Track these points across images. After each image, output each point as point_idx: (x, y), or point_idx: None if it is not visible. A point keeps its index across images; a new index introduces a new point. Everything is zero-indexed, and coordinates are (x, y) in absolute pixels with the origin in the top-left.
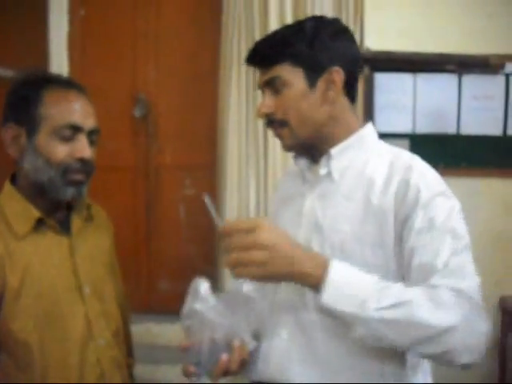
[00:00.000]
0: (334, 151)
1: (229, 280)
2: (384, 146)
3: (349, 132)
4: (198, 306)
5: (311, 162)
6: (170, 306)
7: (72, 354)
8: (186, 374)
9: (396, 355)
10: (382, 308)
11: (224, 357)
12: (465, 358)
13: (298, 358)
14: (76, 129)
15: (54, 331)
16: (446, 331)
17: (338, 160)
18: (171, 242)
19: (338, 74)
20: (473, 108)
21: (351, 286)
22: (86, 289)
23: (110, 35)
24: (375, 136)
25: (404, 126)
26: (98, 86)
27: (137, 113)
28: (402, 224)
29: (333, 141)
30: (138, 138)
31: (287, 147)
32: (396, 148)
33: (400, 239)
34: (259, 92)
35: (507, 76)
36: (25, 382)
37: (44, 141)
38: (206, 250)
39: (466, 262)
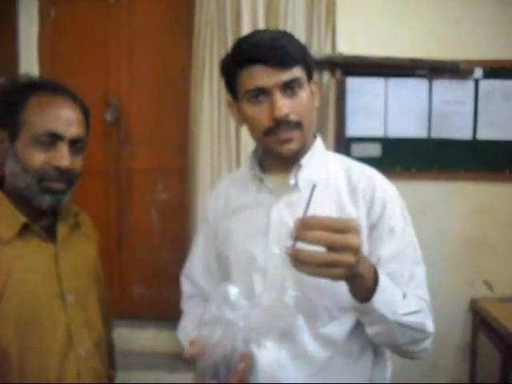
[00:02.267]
0: (303, 161)
1: None
2: (331, 154)
3: (310, 142)
4: (229, 314)
5: (277, 171)
6: (143, 312)
7: (51, 364)
8: None
9: (371, 352)
10: (406, 314)
11: (241, 367)
12: (422, 357)
13: (288, 362)
14: (56, 137)
15: (33, 339)
16: (430, 335)
17: (304, 170)
18: (143, 247)
19: (316, 86)
20: (443, 112)
21: (389, 291)
22: (68, 297)
23: (81, 38)
24: (323, 146)
25: (376, 130)
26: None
27: (109, 117)
28: (370, 233)
29: (303, 149)
30: (110, 142)
31: (293, 152)
32: (338, 155)
33: (370, 246)
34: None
35: (476, 81)
36: None
37: (23, 147)
38: (179, 254)
39: (423, 271)
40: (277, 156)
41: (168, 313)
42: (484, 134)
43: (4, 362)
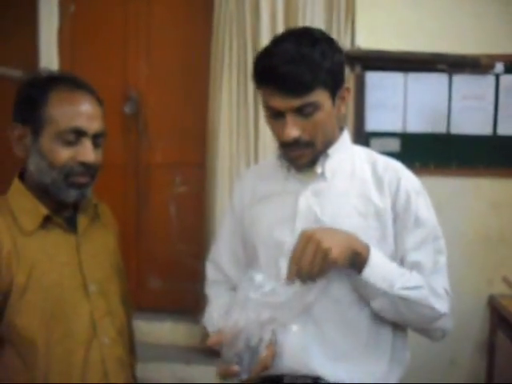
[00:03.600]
0: (330, 151)
1: None
2: (357, 147)
3: (337, 135)
4: (255, 299)
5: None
6: (160, 304)
7: (76, 353)
8: (228, 374)
9: (391, 331)
10: (405, 288)
11: (264, 353)
12: (440, 337)
13: (313, 349)
14: (80, 133)
15: (58, 329)
16: (442, 316)
17: (331, 160)
18: (161, 240)
19: (347, 91)
20: (463, 107)
21: (385, 267)
22: (91, 287)
23: (100, 31)
24: (349, 139)
25: (395, 125)
26: (89, 83)
27: (127, 110)
28: (394, 223)
29: (330, 143)
30: (129, 136)
31: (304, 165)
32: (366, 149)
33: (395, 236)
34: (250, 90)
35: (497, 76)
36: (28, 381)
37: (47, 144)
38: (196, 248)
39: (445, 260)
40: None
41: (185, 305)
42: (504, 130)
43: (31, 351)
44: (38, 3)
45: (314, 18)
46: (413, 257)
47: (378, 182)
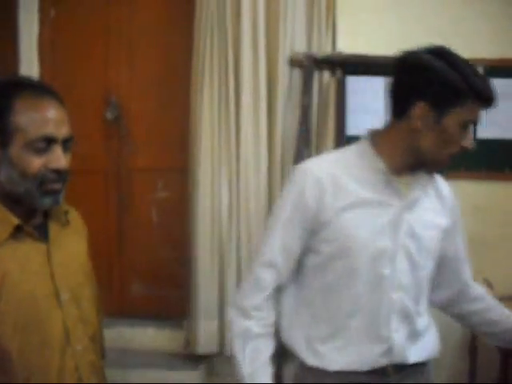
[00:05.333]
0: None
1: (200, 283)
2: None
3: None
4: None
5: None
6: (142, 310)
7: (51, 362)
8: None
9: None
10: None
11: None
12: None
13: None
14: (50, 140)
15: (33, 338)
16: None
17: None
18: (143, 246)
19: None
20: None
21: None
22: (63, 295)
23: (81, 36)
24: None
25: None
26: (70, 88)
27: (109, 115)
28: (451, 232)
29: None
30: (110, 141)
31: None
32: None
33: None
34: (231, 95)
35: None
36: None
37: (18, 153)
38: (179, 252)
39: None
40: (431, 168)
41: (168, 311)
42: (485, 133)
43: (5, 362)
44: (18, 8)
45: (295, 22)
46: (463, 255)
47: (440, 197)
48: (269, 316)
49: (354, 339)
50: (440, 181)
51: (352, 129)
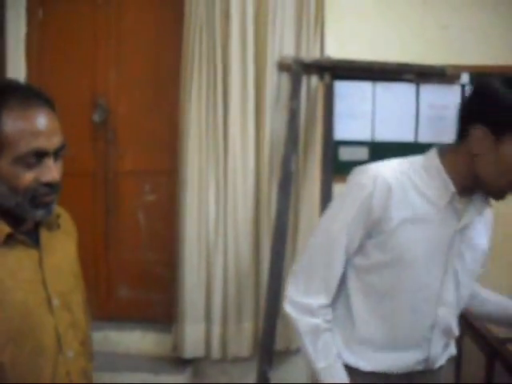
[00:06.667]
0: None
1: (187, 286)
2: None
3: None
4: None
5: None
6: (129, 314)
7: (44, 369)
8: None
9: None
10: None
11: None
12: None
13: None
14: (41, 154)
15: (25, 347)
16: None
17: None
18: (131, 249)
19: None
20: (430, 116)
21: None
22: (55, 301)
23: (69, 37)
24: None
25: (363, 133)
26: (57, 90)
27: (96, 118)
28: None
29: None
30: (98, 144)
31: None
32: None
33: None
34: (220, 98)
35: (463, 86)
36: None
37: (7, 168)
38: (166, 256)
39: None
40: (496, 197)
41: (155, 314)
42: None
43: None
44: (5, 8)
45: (284, 26)
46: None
47: (486, 221)
48: (330, 312)
49: (392, 345)
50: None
51: (340, 133)
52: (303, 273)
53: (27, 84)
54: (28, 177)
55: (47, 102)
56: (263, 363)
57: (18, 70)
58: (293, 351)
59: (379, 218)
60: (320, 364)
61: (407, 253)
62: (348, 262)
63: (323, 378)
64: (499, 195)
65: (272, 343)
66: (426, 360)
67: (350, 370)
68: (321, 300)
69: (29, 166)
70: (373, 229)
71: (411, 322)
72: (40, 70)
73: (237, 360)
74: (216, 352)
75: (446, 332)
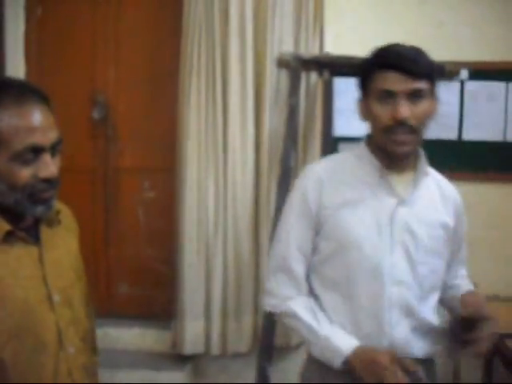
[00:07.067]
0: (428, 169)
1: (186, 283)
2: None
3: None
4: None
5: (394, 171)
6: (129, 310)
7: (46, 366)
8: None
9: None
10: None
11: None
12: None
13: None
14: (38, 149)
15: (27, 344)
16: None
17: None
18: (130, 246)
19: (436, 102)
20: None
21: None
22: (55, 297)
23: (68, 35)
24: None
25: (362, 130)
26: (56, 88)
27: (95, 115)
28: (456, 233)
29: (414, 156)
30: (97, 141)
31: (406, 153)
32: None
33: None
34: (219, 95)
35: (462, 82)
36: None
37: (4, 165)
38: (165, 253)
39: None
40: (390, 155)
41: (154, 311)
42: (469, 135)
43: (0, 368)
44: (4, 6)
45: (283, 23)
46: (461, 255)
47: (444, 198)
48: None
49: (360, 333)
50: (443, 181)
51: (339, 130)
52: (275, 273)
53: (22, 81)
54: (26, 173)
55: (42, 98)
56: (263, 359)
57: (17, 68)
58: (293, 347)
59: (317, 210)
60: (325, 330)
61: (349, 237)
62: (310, 264)
63: (333, 340)
64: (393, 153)
65: (272, 339)
66: (392, 345)
67: (324, 364)
68: (296, 292)
69: (26, 163)
70: (316, 224)
71: (369, 305)
72: (39, 68)
73: (236, 356)
74: (215, 348)
75: (407, 313)
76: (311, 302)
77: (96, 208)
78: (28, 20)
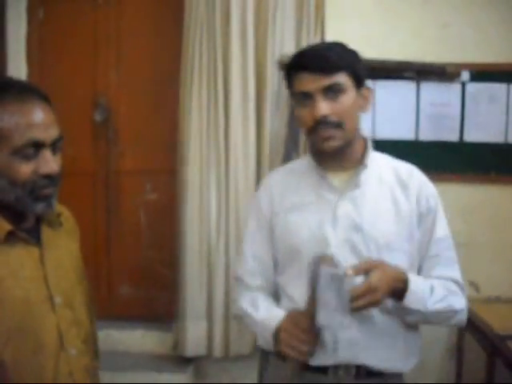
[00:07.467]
0: (367, 162)
1: (188, 285)
2: (377, 153)
3: (361, 142)
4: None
5: (335, 169)
6: (131, 312)
7: (46, 367)
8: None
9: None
10: (435, 303)
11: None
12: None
13: (366, 345)
14: (38, 145)
15: (27, 345)
16: (460, 311)
17: (366, 170)
18: (132, 248)
19: (369, 91)
20: (431, 114)
21: (419, 290)
22: (57, 299)
23: (69, 38)
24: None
25: (364, 131)
26: (58, 90)
27: (97, 117)
28: (420, 223)
29: (356, 149)
30: (98, 143)
31: (335, 148)
32: (382, 154)
33: (420, 235)
34: (220, 97)
35: (463, 84)
36: None
37: (5, 161)
38: (167, 255)
39: (455, 256)
40: (322, 153)
41: (156, 313)
42: (471, 137)
43: (1, 369)
44: (6, 8)
45: (284, 25)
46: (433, 251)
47: (403, 186)
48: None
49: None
50: (404, 170)
51: None
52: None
53: (23, 81)
54: (26, 169)
55: (43, 98)
56: (265, 361)
57: (18, 69)
58: None
59: (270, 217)
60: (261, 315)
61: (294, 240)
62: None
63: (266, 322)
64: (321, 152)
65: None
66: (335, 344)
67: (278, 364)
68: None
69: (26, 158)
70: (272, 231)
71: None
72: (41, 70)
73: (238, 358)
74: (218, 350)
75: (362, 316)
76: (258, 296)
77: (97, 210)
78: (30, 22)
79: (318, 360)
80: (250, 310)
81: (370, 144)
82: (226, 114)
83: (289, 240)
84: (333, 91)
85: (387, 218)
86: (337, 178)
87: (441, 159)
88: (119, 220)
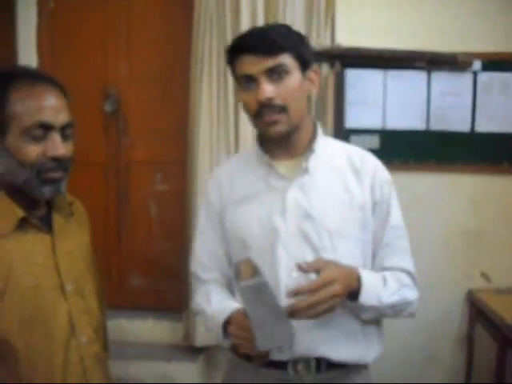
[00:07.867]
0: (315, 147)
1: None
2: (330, 140)
3: (310, 127)
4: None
5: (283, 156)
6: (141, 303)
7: (56, 354)
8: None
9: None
10: (389, 296)
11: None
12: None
13: (323, 336)
14: (47, 127)
15: (38, 331)
16: (413, 302)
17: (314, 155)
18: (142, 238)
19: (316, 74)
20: (442, 104)
21: (372, 286)
22: (68, 286)
23: (80, 29)
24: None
25: (374, 121)
26: (68, 81)
27: (107, 108)
28: (374, 211)
29: (304, 135)
30: (109, 134)
31: (280, 133)
32: (334, 139)
33: (373, 223)
34: (230, 87)
35: (475, 73)
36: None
37: (14, 142)
38: (177, 246)
39: (408, 245)
40: (268, 139)
41: (167, 303)
42: (482, 127)
43: (11, 355)
44: (16, 0)
45: (294, 16)
46: (386, 240)
47: (356, 173)
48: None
49: None
50: (358, 155)
51: (351, 122)
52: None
53: (36, 68)
54: (34, 150)
55: (56, 85)
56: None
57: (29, 60)
58: None
59: (220, 210)
60: (213, 307)
61: (243, 231)
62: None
63: (217, 314)
64: (267, 138)
65: None
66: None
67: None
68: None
69: (35, 139)
70: (222, 225)
71: None
72: (51, 61)
73: None
74: (227, 340)
75: None
76: (212, 289)
77: (108, 201)
78: (40, 13)
79: (276, 355)
80: (203, 305)
81: (319, 129)
82: (236, 105)
83: (238, 235)
84: (277, 73)
85: (339, 204)
86: (285, 166)
87: (452, 150)
88: (130, 210)
